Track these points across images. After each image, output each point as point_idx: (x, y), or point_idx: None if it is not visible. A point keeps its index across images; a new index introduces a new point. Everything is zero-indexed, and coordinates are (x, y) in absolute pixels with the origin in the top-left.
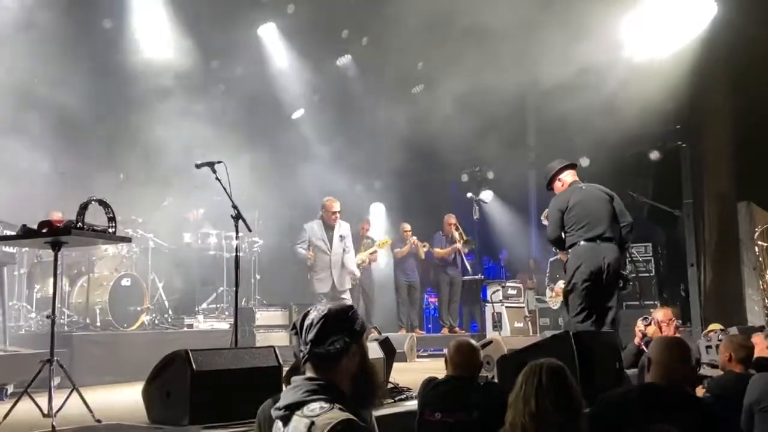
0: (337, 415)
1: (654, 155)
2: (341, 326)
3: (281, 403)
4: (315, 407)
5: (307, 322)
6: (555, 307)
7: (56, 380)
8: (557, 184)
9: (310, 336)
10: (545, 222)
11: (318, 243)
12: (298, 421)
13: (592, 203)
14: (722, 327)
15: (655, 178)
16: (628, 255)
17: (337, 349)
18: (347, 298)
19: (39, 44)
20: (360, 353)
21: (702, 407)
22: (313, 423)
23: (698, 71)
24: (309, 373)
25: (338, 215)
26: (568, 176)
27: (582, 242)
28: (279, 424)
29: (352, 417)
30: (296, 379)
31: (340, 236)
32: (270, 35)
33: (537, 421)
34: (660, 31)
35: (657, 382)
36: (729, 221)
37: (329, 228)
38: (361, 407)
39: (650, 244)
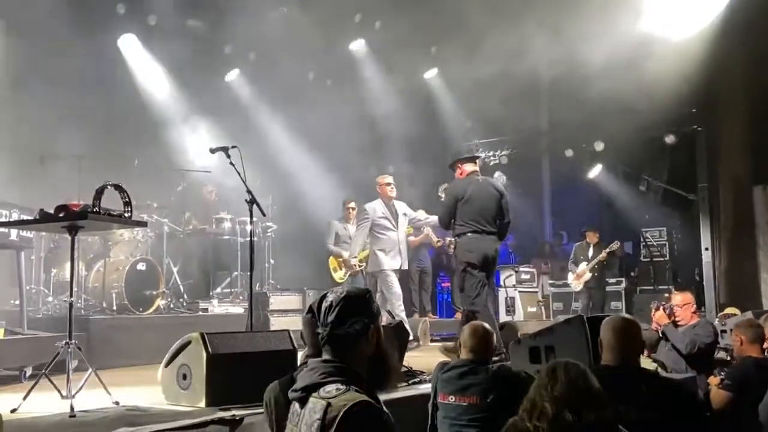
0: (353, 396)
1: (669, 139)
2: (360, 308)
3: (298, 384)
4: (331, 389)
5: (325, 305)
6: (577, 290)
7: (74, 363)
8: (458, 170)
9: (331, 317)
10: (442, 195)
11: (382, 221)
12: (315, 403)
13: (484, 199)
14: (737, 311)
15: (670, 162)
16: (642, 239)
17: (357, 330)
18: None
19: (54, 31)
20: (377, 336)
21: (658, 381)
22: (329, 404)
23: (714, 54)
24: (326, 356)
25: (393, 186)
26: (469, 166)
27: (470, 233)
28: (296, 405)
29: (368, 399)
30: (313, 362)
31: (404, 213)
32: (283, 19)
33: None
34: (676, 13)
35: (610, 364)
36: (744, 205)
37: (390, 204)
38: (376, 389)
39: (664, 229)
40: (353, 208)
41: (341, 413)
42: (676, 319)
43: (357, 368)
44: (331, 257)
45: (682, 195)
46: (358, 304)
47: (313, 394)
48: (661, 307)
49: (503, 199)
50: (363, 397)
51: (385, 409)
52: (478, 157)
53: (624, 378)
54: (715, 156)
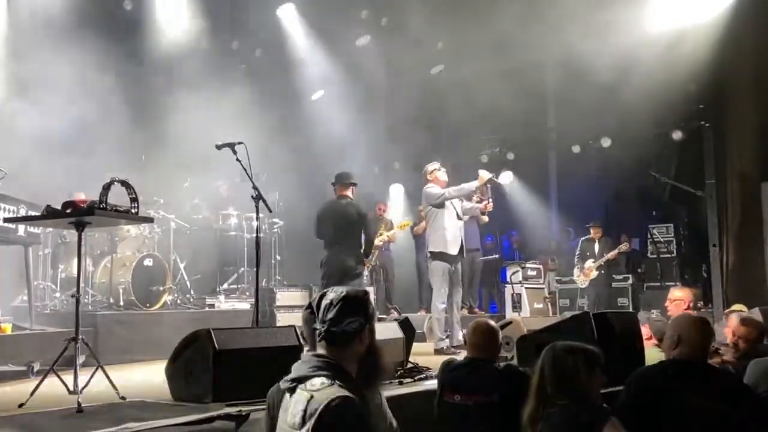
0: (336, 391)
1: (677, 135)
2: (358, 308)
3: (289, 376)
4: (317, 382)
5: (325, 302)
6: (583, 286)
7: (81, 358)
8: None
9: (330, 315)
10: None
11: None
12: (300, 394)
13: (340, 220)
14: (745, 308)
15: (678, 158)
16: (649, 236)
17: (353, 329)
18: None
19: (61, 27)
20: (371, 336)
21: (729, 378)
22: (312, 396)
23: (722, 50)
24: (320, 350)
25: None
26: (341, 189)
27: (327, 249)
28: (287, 395)
29: (349, 395)
30: (305, 355)
31: None
32: (289, 16)
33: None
34: (683, 8)
35: (685, 358)
36: (752, 201)
37: None
38: (365, 387)
39: (672, 225)
40: None
41: (321, 406)
42: (668, 313)
43: (348, 365)
44: None
45: (690, 191)
46: (356, 305)
47: (300, 386)
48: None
49: (363, 220)
50: (345, 393)
51: (365, 406)
52: (355, 185)
53: (705, 372)
54: (722, 152)
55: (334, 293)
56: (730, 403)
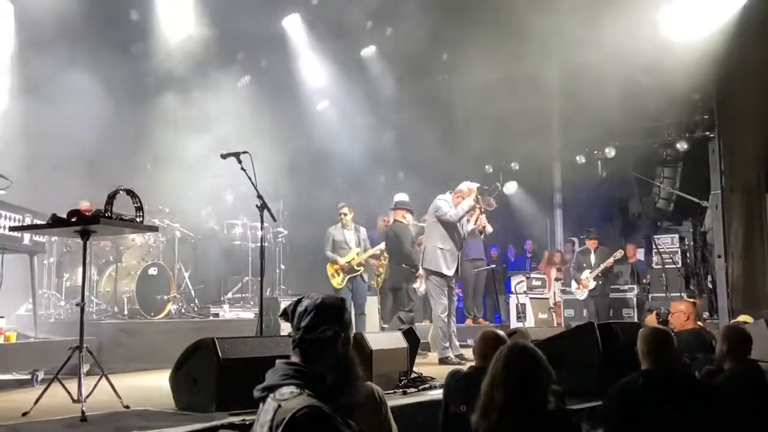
0: (304, 401)
1: (681, 146)
2: (333, 316)
3: (261, 384)
4: (286, 392)
5: (300, 309)
6: (581, 298)
7: (85, 367)
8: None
9: (304, 323)
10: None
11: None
12: (269, 404)
13: (387, 243)
14: (750, 318)
15: (683, 169)
16: (654, 246)
17: (327, 337)
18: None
19: (66, 33)
20: (345, 345)
21: (697, 386)
22: (280, 406)
23: (727, 59)
24: (293, 358)
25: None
26: (394, 214)
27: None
28: (261, 404)
29: (317, 404)
30: (278, 362)
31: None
32: (294, 26)
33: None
34: (689, 19)
35: (649, 367)
36: (757, 212)
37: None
38: (339, 397)
39: (677, 236)
40: (345, 214)
41: (288, 417)
42: (671, 325)
43: (321, 374)
44: (328, 264)
45: (695, 201)
46: (331, 312)
47: (271, 395)
48: (655, 312)
49: (396, 239)
50: (313, 402)
51: (335, 415)
52: (399, 209)
53: (661, 380)
54: (727, 162)
55: (309, 300)
56: (695, 407)
